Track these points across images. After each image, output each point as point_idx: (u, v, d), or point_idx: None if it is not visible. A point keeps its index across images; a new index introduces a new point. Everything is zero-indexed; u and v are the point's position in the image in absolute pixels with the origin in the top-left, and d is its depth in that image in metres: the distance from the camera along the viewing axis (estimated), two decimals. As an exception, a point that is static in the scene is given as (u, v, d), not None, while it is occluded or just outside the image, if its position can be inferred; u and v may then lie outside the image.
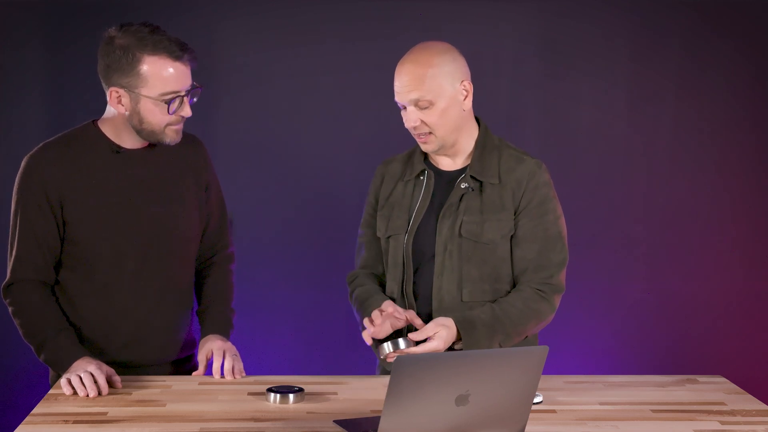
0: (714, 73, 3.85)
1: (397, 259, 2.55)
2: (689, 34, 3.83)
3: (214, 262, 2.74)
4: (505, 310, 2.44)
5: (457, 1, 3.78)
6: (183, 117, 2.47)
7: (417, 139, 2.51)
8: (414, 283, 2.54)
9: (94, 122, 2.55)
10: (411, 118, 2.44)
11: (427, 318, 2.51)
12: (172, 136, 2.48)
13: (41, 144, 2.52)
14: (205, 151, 2.69)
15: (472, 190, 2.50)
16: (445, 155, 2.54)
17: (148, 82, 2.40)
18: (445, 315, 2.47)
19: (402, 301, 2.55)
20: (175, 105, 2.43)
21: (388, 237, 2.57)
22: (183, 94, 2.43)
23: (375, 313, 2.41)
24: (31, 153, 2.50)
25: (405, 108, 2.46)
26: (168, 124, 2.46)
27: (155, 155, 2.55)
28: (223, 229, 2.75)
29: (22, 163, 2.49)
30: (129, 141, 2.52)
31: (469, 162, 2.54)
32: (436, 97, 2.42)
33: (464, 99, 2.47)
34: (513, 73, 3.83)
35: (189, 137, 2.66)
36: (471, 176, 2.50)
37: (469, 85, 2.47)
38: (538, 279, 2.48)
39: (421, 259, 2.53)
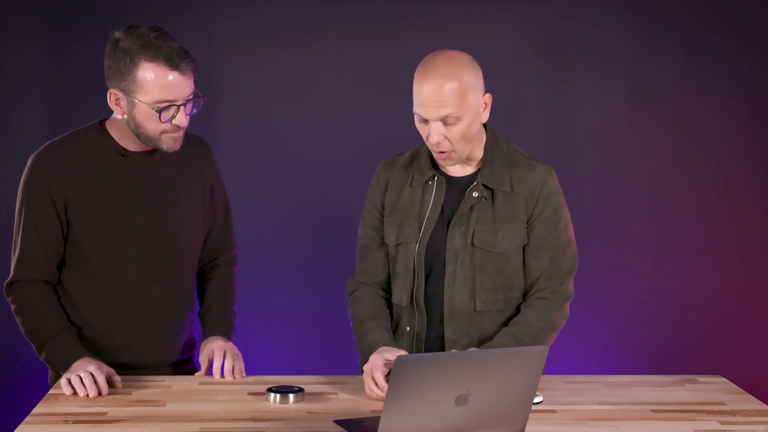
0: (714, 73, 3.85)
1: (408, 266, 2.52)
2: (689, 34, 3.83)
3: (217, 264, 2.74)
4: (524, 331, 2.43)
5: (457, 1, 3.78)
6: (179, 126, 2.43)
7: (436, 155, 2.43)
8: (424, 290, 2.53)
9: (102, 122, 2.55)
10: (435, 133, 2.35)
11: (438, 325, 2.51)
12: (168, 143, 2.45)
13: (47, 143, 2.51)
14: (210, 154, 2.68)
15: (485, 199, 2.46)
16: None
17: (144, 88, 2.38)
18: (458, 324, 2.48)
19: (411, 309, 2.53)
20: (168, 114, 2.40)
21: (398, 244, 2.53)
22: (179, 103, 2.40)
23: (380, 378, 2.32)
24: (36, 152, 2.49)
25: (426, 122, 2.38)
26: (163, 132, 2.43)
27: (161, 158, 2.54)
28: (227, 232, 2.74)
29: (28, 162, 2.49)
30: (134, 143, 2.51)
31: (478, 168, 2.50)
32: (464, 114, 2.35)
33: (483, 111, 2.42)
34: (513, 73, 3.83)
35: (195, 139, 2.65)
36: (483, 184, 2.47)
37: (488, 98, 2.43)
38: (549, 288, 2.48)
39: (431, 267, 2.50)
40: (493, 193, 2.47)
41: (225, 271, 2.74)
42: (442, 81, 2.32)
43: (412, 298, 2.52)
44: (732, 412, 2.27)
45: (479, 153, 2.50)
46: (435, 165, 2.53)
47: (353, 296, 2.60)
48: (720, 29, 3.82)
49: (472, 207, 2.47)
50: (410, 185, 2.53)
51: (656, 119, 3.87)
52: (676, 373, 2.63)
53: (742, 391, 2.45)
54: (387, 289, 2.61)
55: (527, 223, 2.48)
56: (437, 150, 2.40)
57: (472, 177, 2.50)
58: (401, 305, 2.55)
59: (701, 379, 2.56)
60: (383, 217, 2.58)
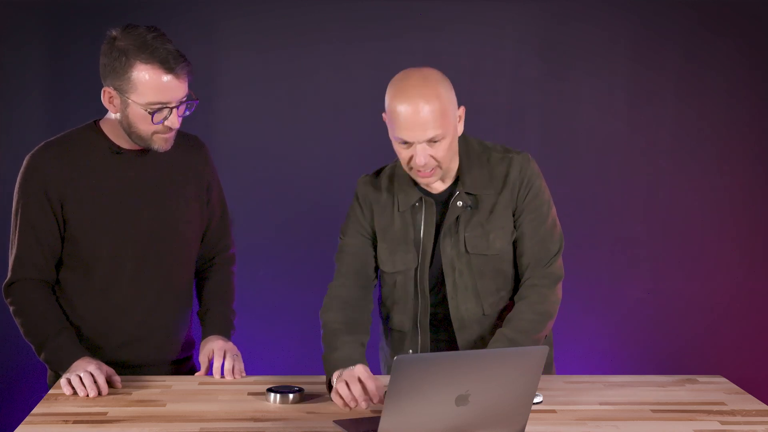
0: (714, 73, 3.85)
1: (408, 292, 2.50)
2: (689, 34, 3.83)
3: (216, 263, 2.74)
4: (518, 327, 2.40)
5: (457, 1, 3.78)
6: (171, 128, 2.44)
7: (418, 175, 2.38)
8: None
9: (96, 122, 2.55)
10: (421, 155, 2.29)
11: (447, 340, 2.50)
12: (160, 143, 2.46)
13: (42, 143, 2.52)
14: (206, 153, 2.68)
15: (470, 207, 2.45)
16: None
17: (138, 89, 2.38)
18: (470, 332, 2.47)
19: (414, 333, 2.52)
20: (161, 115, 2.40)
21: (395, 272, 2.50)
22: (172, 105, 2.40)
23: (372, 386, 2.18)
24: (32, 152, 2.50)
25: (407, 144, 2.31)
26: (155, 132, 2.44)
27: (155, 156, 2.55)
28: (224, 230, 2.75)
29: (24, 162, 2.50)
30: (128, 142, 2.52)
31: (457, 177, 2.46)
32: (447, 131, 2.31)
33: (458, 123, 2.39)
34: (513, 73, 3.83)
35: (191, 138, 2.66)
36: (465, 193, 2.45)
37: (462, 110, 2.39)
38: (539, 272, 2.47)
39: (431, 284, 2.50)
40: (476, 198, 2.46)
41: (223, 270, 2.74)
42: (422, 102, 2.26)
43: (416, 322, 2.51)
44: (732, 412, 2.27)
45: (455, 164, 2.46)
46: (417, 185, 2.48)
47: (324, 318, 2.46)
48: (720, 29, 3.82)
49: (458, 217, 2.45)
50: (397, 210, 2.48)
51: (656, 119, 3.87)
52: (676, 373, 2.63)
53: (742, 391, 2.45)
54: (359, 300, 2.50)
55: (513, 214, 2.47)
56: (423, 171, 2.34)
57: (453, 187, 2.47)
58: (403, 330, 2.54)
59: (701, 379, 2.56)
60: (374, 237, 2.53)
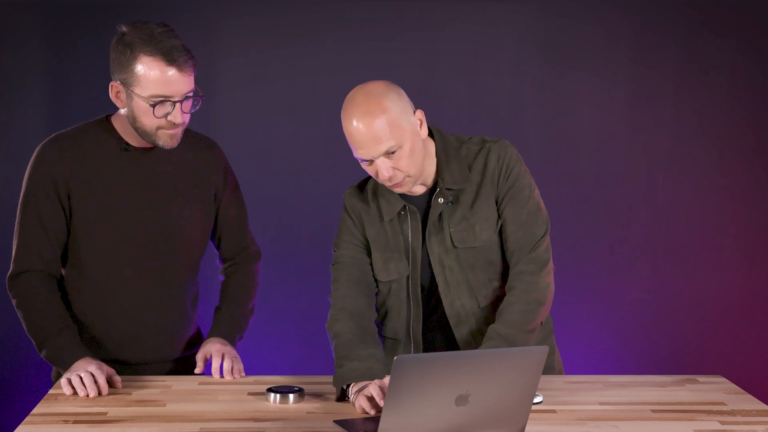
0: (714, 73, 3.85)
1: (401, 299, 2.50)
2: (689, 34, 3.83)
3: (236, 262, 2.75)
4: (509, 321, 2.39)
5: (457, 1, 3.78)
6: (174, 123, 2.43)
7: (391, 188, 2.40)
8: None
9: (108, 117, 2.55)
10: (383, 169, 2.32)
11: (446, 337, 2.50)
12: (165, 139, 2.45)
13: (53, 135, 2.52)
14: (219, 155, 2.67)
15: (452, 203, 2.45)
16: None
17: (140, 82, 2.38)
18: (467, 326, 2.46)
19: (407, 341, 2.52)
20: (163, 110, 2.40)
21: (390, 281, 2.51)
22: (175, 100, 2.40)
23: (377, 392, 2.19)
24: (42, 143, 2.50)
25: (369, 162, 2.34)
26: (159, 128, 2.43)
27: (163, 155, 2.54)
28: (243, 230, 2.75)
29: (34, 154, 2.50)
30: (138, 139, 2.51)
31: (437, 177, 2.46)
32: (401, 140, 2.31)
33: (420, 128, 2.39)
34: (513, 73, 3.83)
35: (205, 141, 2.66)
36: (446, 189, 2.44)
37: (420, 114, 2.40)
38: (525, 257, 2.45)
39: (422, 286, 2.50)
40: (457, 192, 2.46)
41: (243, 269, 2.74)
42: (369, 119, 2.29)
43: (408, 330, 2.52)
44: (732, 412, 2.27)
45: (432, 167, 2.46)
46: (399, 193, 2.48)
47: (333, 329, 2.50)
48: (720, 30, 3.83)
49: (441, 214, 2.45)
50: (384, 220, 2.49)
51: (656, 119, 3.88)
52: (676, 373, 2.63)
53: (742, 391, 2.45)
54: (365, 311, 2.52)
55: (496, 202, 2.46)
56: (390, 184, 2.37)
57: (434, 186, 2.47)
58: (396, 338, 2.53)
59: (701, 379, 2.56)
60: (368, 246, 2.53)
